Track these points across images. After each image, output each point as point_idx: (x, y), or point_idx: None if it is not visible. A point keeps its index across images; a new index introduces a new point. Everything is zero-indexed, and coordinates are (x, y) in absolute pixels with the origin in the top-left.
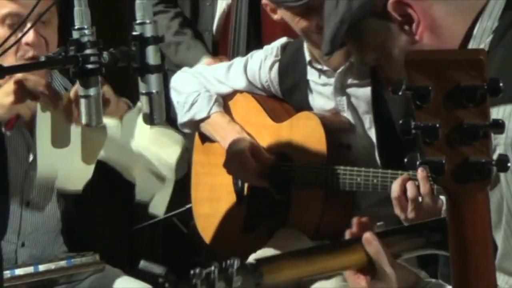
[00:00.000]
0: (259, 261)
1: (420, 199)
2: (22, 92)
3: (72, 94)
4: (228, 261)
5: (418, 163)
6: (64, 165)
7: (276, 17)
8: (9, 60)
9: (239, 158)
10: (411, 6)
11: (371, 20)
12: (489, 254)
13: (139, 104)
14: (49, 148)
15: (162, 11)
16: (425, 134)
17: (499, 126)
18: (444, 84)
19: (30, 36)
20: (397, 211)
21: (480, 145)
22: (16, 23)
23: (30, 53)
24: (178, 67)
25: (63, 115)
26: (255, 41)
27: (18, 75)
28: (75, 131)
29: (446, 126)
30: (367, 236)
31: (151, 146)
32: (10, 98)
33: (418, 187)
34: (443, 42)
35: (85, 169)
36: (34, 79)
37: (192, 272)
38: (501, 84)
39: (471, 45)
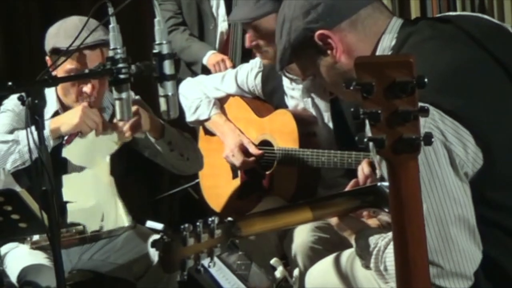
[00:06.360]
0: (235, 218)
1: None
2: (86, 117)
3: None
4: (210, 219)
5: (365, 140)
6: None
7: (248, 45)
8: (72, 98)
9: (234, 153)
10: (331, 37)
11: (307, 48)
12: (419, 208)
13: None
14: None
15: (175, 29)
16: (370, 118)
17: (424, 111)
18: (383, 80)
19: (88, 87)
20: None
21: (411, 125)
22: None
23: (87, 100)
24: (191, 67)
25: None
26: (247, 57)
27: (85, 105)
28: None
29: (386, 112)
30: None
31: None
32: (76, 119)
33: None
34: None
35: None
36: (95, 111)
37: (182, 226)
38: (425, 80)
39: None
